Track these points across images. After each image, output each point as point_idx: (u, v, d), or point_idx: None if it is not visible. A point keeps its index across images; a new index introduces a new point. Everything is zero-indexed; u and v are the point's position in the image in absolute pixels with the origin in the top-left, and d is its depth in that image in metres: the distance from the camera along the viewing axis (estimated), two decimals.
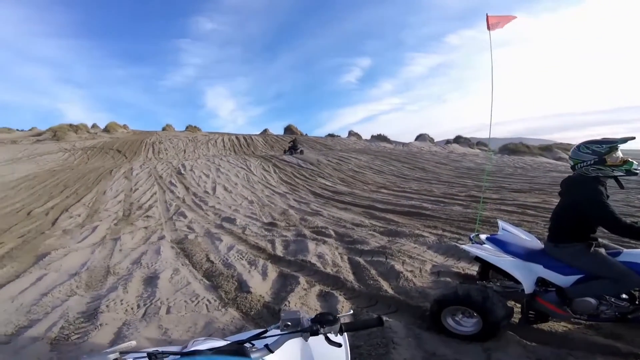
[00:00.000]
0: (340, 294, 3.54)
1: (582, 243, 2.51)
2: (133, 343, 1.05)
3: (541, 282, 2.65)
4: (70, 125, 30.91)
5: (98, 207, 9.18)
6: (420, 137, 32.23)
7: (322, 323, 1.09)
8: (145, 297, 3.63)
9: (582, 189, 2.49)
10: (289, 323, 1.09)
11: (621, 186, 2.56)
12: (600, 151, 2.42)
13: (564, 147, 29.74)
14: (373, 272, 4.08)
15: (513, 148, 25.73)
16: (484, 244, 2.93)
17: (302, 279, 3.91)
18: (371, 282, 3.82)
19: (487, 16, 4.65)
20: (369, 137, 32.96)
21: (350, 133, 34.83)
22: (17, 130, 34.48)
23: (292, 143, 21.67)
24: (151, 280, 4.09)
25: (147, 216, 8.11)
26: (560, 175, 13.75)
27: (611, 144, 2.41)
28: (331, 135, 35.17)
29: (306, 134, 36.08)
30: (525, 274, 2.64)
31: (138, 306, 3.42)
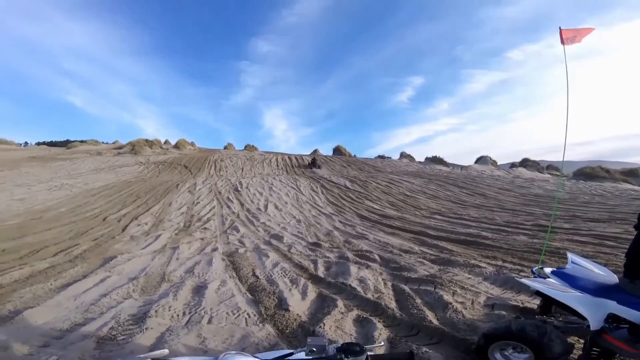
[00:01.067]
0: (379, 321, 3.35)
1: None
2: (165, 351, 1.11)
3: (612, 318, 2.36)
4: (146, 140, 34.75)
5: (163, 217, 10.07)
6: (481, 160, 30.21)
7: (347, 352, 1.06)
8: (191, 305, 3.81)
9: None
10: (314, 349, 1.07)
11: None
12: None
13: None
14: (418, 301, 3.80)
15: (590, 173, 22.78)
16: (548, 277, 2.65)
17: (340, 302, 3.79)
18: (415, 311, 3.56)
19: (561, 30, 4.30)
20: (422, 159, 31.80)
21: (402, 155, 33.97)
22: (103, 142, 39.98)
23: (312, 159, 27.27)
24: (200, 290, 4.29)
25: (205, 228, 8.66)
26: None
27: None
28: (381, 157, 34.67)
29: (355, 155, 35.99)
30: (594, 310, 2.37)
31: (183, 314, 3.58)
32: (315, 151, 36.94)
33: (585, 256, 5.68)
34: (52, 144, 44.75)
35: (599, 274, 2.65)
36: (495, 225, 8.64)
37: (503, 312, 3.41)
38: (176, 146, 36.21)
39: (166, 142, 37.49)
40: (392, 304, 3.81)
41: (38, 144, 45.73)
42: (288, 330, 3.23)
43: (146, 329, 3.15)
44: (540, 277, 2.73)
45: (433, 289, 4.08)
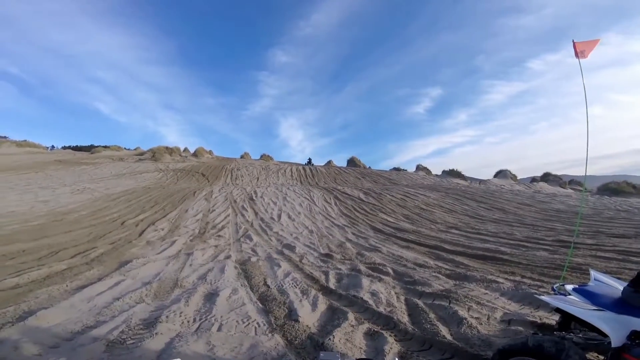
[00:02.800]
0: (390, 335, 3.25)
1: None
2: None
3: (635, 335, 2.22)
4: (167, 147, 35.77)
5: (179, 223, 10.24)
6: (501, 174, 29.51)
7: None
8: (202, 312, 3.81)
9: None
10: None
11: None
12: None
13: None
14: (432, 315, 3.68)
15: (615, 188, 21.88)
16: (569, 294, 2.54)
17: (351, 315, 3.71)
18: (428, 325, 3.44)
19: (574, 43, 4.20)
20: (439, 172, 31.32)
21: (419, 167, 33.57)
22: (125, 148, 41.33)
23: (308, 160, 34.09)
24: (211, 297, 4.30)
25: (219, 236, 8.74)
26: None
27: None
28: (397, 169, 34.36)
29: (369, 167, 35.80)
30: (617, 327, 2.27)
31: (194, 320, 3.59)
32: (330, 162, 37.03)
33: (609, 273, 5.40)
34: (77, 148, 46.75)
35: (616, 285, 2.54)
36: (515, 240, 8.35)
37: (520, 328, 3.27)
38: (195, 154, 37.07)
39: (185, 149, 38.44)
40: (405, 318, 3.70)
41: (64, 148, 47.86)
42: (297, 341, 3.17)
43: (156, 334, 3.16)
44: (561, 294, 2.64)
45: (448, 304, 3.95)
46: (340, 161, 39.64)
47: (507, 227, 10.62)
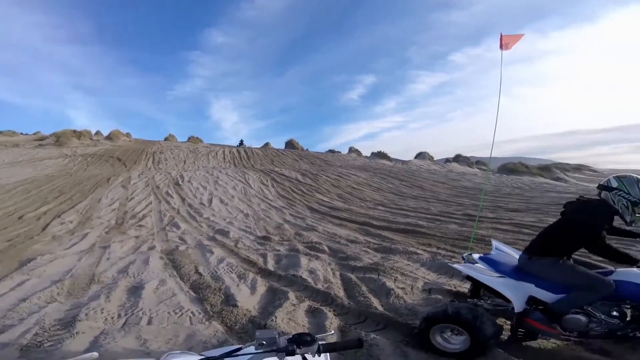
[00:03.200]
0: (329, 311, 3.45)
1: (553, 257, 2.57)
2: (95, 354, 1.04)
3: (532, 300, 2.63)
4: (74, 131, 30.87)
5: (91, 214, 9.11)
6: (420, 156, 32.35)
7: (299, 343, 1.05)
8: (127, 306, 3.53)
9: (593, 212, 2.54)
10: (264, 342, 1.05)
11: (626, 222, 2.54)
12: None
13: (562, 167, 29.91)
14: (364, 288, 3.99)
15: (512, 168, 25.79)
16: (477, 263, 2.92)
17: (292, 294, 3.81)
18: (361, 298, 3.72)
19: (502, 36, 4.59)
20: (369, 154, 33.08)
21: (351, 149, 34.96)
22: (21, 133, 34.66)
23: (240, 142, 36.54)
24: (136, 290, 3.99)
25: (140, 225, 8.02)
26: (559, 195, 13.72)
27: None
28: (331, 151, 35.29)
29: (307, 149, 36.16)
30: (516, 293, 2.63)
31: (119, 316, 3.31)
32: (267, 144, 36.25)
33: (506, 243, 6.43)
34: None
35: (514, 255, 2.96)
36: (431, 214, 9.38)
37: (439, 297, 3.70)
38: (109, 137, 32.78)
39: (97, 133, 33.71)
40: (341, 293, 3.94)
41: None
42: (237, 326, 3.16)
43: (77, 333, 2.86)
44: (470, 262, 2.98)
45: (377, 277, 4.30)
46: (279, 143, 39.04)
47: (424, 202, 11.84)
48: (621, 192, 2.47)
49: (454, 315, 2.57)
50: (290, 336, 1.09)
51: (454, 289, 3.90)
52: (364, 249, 5.85)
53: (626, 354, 2.53)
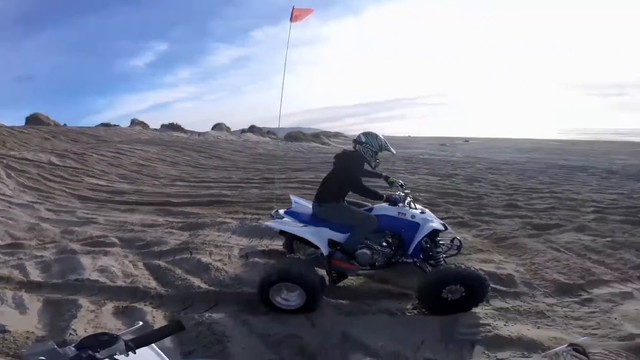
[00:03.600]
0: (145, 305, 3.01)
1: (334, 202, 3.14)
2: None
3: (332, 243, 3.09)
4: None
5: None
6: (217, 127, 32.10)
7: (94, 347, 0.83)
8: None
9: (353, 161, 3.21)
10: (43, 359, 0.78)
11: (371, 167, 3.38)
12: (382, 146, 3.26)
13: (326, 134, 38.03)
14: (179, 271, 3.64)
15: (294, 136, 30.30)
16: (283, 217, 3.19)
17: (84, 301, 3.05)
18: (179, 282, 3.41)
19: (294, 8, 4.85)
20: (158, 126, 29.45)
21: (134, 122, 29.71)
22: None
23: None
24: None
25: None
26: (326, 155, 17.36)
27: (386, 148, 3.30)
28: (106, 125, 28.70)
29: (65, 124, 27.60)
30: (320, 238, 3.03)
31: None
32: None
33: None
34: None
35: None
36: (233, 183, 9.62)
37: (257, 259, 3.88)
38: None
39: None
40: (152, 283, 3.46)
41: None
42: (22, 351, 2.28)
43: None
44: (278, 218, 3.24)
45: (190, 255, 4.03)
46: (15, 119, 27.20)
47: (225, 172, 11.97)
48: (367, 145, 3.25)
49: (285, 274, 2.75)
50: (77, 342, 0.87)
51: (266, 249, 4.22)
52: (167, 230, 5.29)
53: (399, 279, 3.42)
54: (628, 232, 5.45)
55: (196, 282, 3.42)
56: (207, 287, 3.32)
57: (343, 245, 3.08)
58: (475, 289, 2.86)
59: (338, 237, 3.08)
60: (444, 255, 3.33)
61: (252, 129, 34.10)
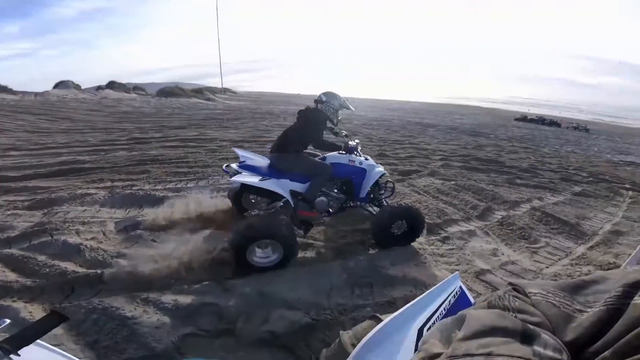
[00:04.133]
0: (14, 301, 2.47)
1: (294, 153, 3.29)
2: None
3: (294, 193, 3.23)
4: None
5: None
6: (62, 84, 26.08)
7: None
8: None
9: (316, 118, 3.42)
10: None
11: (334, 124, 3.61)
12: (341, 105, 3.55)
13: (212, 90, 35.17)
14: (42, 258, 2.98)
15: (170, 91, 26.80)
16: (240, 172, 3.09)
17: None
18: (47, 270, 2.82)
19: None
20: None
21: None
22: None
23: None
24: None
25: None
26: (211, 112, 16.26)
27: (345, 106, 3.60)
28: None
29: None
30: (285, 190, 3.12)
31: None
32: None
33: (179, 157, 6.93)
34: None
35: (266, 161, 3.35)
36: (91, 146, 8.05)
37: (140, 231, 3.48)
38: None
39: None
40: (11, 276, 2.77)
41: None
42: None
43: None
44: (232, 173, 3.10)
45: (51, 238, 3.32)
46: None
47: (79, 135, 9.88)
48: (328, 103, 3.48)
49: (264, 231, 2.72)
50: None
51: (149, 220, 3.75)
52: (10, 213, 4.16)
53: (347, 219, 3.65)
54: (465, 177, 7.10)
55: (69, 266, 2.90)
56: (85, 270, 2.85)
57: (304, 195, 3.23)
58: (416, 223, 3.43)
59: (298, 187, 3.23)
60: (385, 197, 3.82)
61: (112, 85, 28.70)
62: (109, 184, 5.15)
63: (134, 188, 4.80)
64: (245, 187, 3.27)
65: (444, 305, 0.92)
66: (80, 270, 2.88)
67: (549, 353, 0.36)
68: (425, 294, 0.94)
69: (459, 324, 0.43)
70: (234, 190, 3.59)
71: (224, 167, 3.38)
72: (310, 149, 3.59)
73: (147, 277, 2.71)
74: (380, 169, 3.68)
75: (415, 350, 0.79)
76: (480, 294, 2.92)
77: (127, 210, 4.21)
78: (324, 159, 3.56)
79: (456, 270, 3.00)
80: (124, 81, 30.59)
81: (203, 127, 10.74)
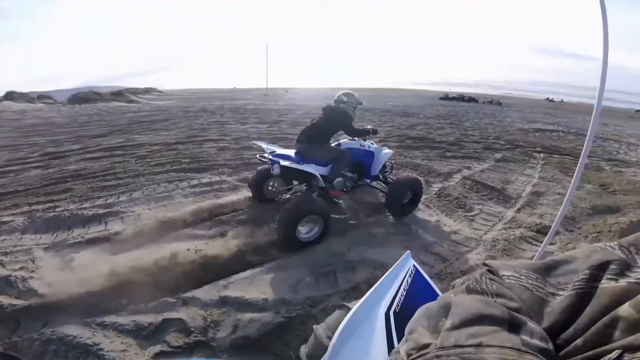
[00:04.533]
0: None
1: (320, 142, 3.85)
2: None
3: (324, 177, 3.79)
4: None
5: None
6: None
7: None
8: None
9: (344, 115, 4.00)
10: None
11: (354, 118, 4.17)
12: (358, 102, 4.19)
13: (134, 91, 32.04)
14: None
15: (84, 97, 23.77)
16: (274, 160, 3.49)
17: None
18: None
19: None
20: None
21: None
22: None
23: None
24: None
25: None
26: (135, 115, 14.87)
27: (360, 103, 4.24)
28: None
29: None
30: (317, 173, 3.68)
31: None
32: None
33: (98, 172, 6.18)
34: None
35: (290, 150, 3.84)
36: None
37: (76, 254, 3.21)
38: None
39: None
40: None
41: None
42: None
43: None
44: (268, 160, 3.54)
45: None
46: None
47: None
48: (349, 103, 4.10)
49: (311, 208, 3.22)
50: None
51: (84, 239, 3.44)
52: None
53: (255, 232, 3.62)
54: (402, 155, 7.55)
55: (5, 300, 2.56)
56: (23, 302, 2.54)
57: (328, 177, 3.79)
58: (418, 191, 4.20)
59: (324, 171, 3.79)
60: (388, 174, 4.57)
61: (11, 95, 24.62)
62: (26, 208, 4.48)
63: (58, 209, 4.27)
64: (271, 174, 3.67)
65: (402, 286, 1.02)
66: (18, 302, 2.57)
67: (537, 342, 0.35)
68: (383, 277, 1.03)
69: (444, 312, 0.42)
70: (257, 178, 4.19)
71: (257, 156, 3.87)
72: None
73: (98, 301, 2.53)
74: (388, 150, 4.42)
75: (387, 334, 0.86)
76: (433, 266, 3.20)
77: (55, 234, 3.76)
78: (339, 145, 4.16)
79: (407, 247, 3.14)
80: (25, 90, 26.51)
81: (128, 132, 9.79)
